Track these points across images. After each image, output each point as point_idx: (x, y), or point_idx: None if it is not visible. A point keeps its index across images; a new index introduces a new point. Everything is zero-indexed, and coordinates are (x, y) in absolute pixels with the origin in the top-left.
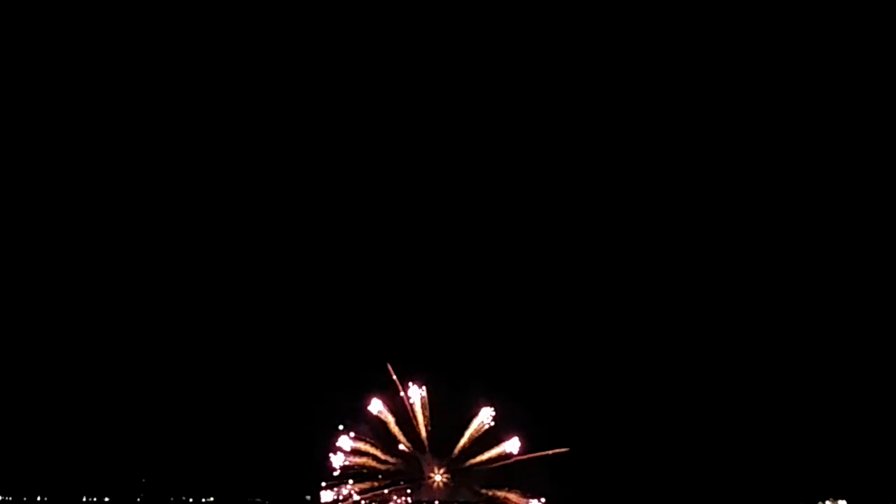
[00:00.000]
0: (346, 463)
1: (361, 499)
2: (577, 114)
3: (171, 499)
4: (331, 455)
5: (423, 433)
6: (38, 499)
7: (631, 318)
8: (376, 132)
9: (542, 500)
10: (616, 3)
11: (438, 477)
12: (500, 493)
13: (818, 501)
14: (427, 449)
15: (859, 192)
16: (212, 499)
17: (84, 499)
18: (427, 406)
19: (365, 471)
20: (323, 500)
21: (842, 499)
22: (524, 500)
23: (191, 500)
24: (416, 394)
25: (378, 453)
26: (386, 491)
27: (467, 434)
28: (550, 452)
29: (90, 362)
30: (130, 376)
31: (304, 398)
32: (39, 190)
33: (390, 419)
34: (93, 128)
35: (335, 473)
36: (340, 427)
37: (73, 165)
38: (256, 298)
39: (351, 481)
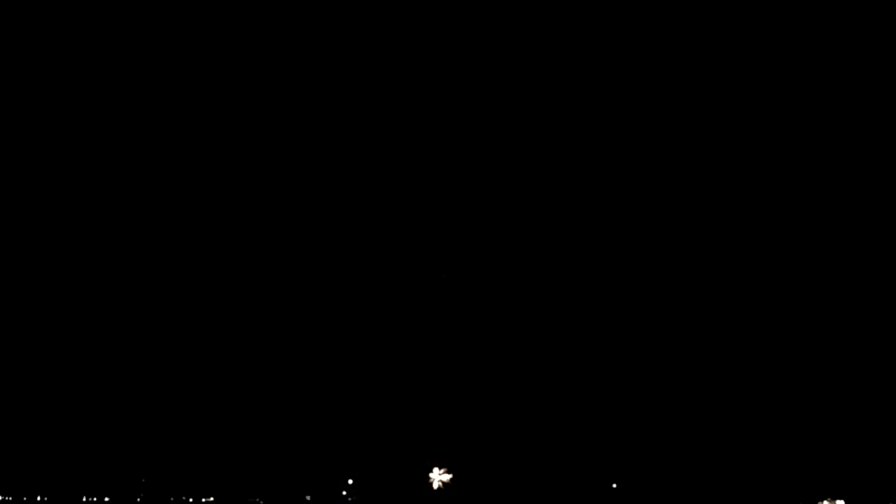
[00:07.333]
0: None
1: None
2: (576, 111)
3: (171, 499)
4: None
5: None
6: (38, 499)
7: (626, 319)
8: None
9: None
10: (616, 3)
11: (438, 477)
12: None
13: (817, 501)
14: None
15: (859, 192)
16: (212, 499)
17: (84, 499)
18: None
19: None
20: None
21: (840, 499)
22: None
23: (191, 500)
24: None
25: None
26: None
27: None
28: None
29: (90, 362)
30: (130, 376)
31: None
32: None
33: None
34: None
35: None
36: None
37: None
38: (256, 296)
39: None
